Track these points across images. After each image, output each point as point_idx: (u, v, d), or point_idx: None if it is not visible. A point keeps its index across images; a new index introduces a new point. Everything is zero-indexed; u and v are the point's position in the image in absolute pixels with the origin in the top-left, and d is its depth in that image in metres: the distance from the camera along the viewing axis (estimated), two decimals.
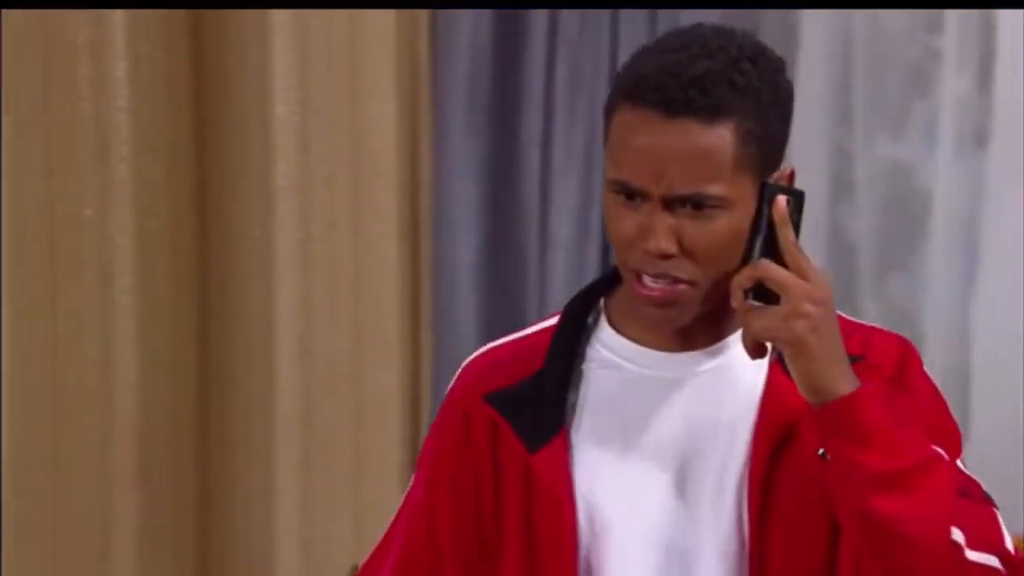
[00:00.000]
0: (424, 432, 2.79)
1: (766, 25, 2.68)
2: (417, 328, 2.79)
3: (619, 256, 1.41)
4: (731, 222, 1.36)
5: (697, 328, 1.42)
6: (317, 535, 2.67)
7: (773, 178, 1.38)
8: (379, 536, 2.71)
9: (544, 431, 1.43)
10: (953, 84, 2.49)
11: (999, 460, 2.40)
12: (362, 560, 2.33)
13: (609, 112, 1.39)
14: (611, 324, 1.46)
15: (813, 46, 2.56)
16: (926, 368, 1.45)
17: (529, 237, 2.72)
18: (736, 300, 1.35)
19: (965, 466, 1.41)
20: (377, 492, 2.70)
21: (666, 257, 1.37)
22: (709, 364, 1.43)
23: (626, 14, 2.65)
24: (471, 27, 2.73)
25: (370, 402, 2.70)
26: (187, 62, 2.72)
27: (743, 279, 1.35)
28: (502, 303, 2.75)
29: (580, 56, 2.68)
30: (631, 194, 1.37)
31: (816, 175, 2.59)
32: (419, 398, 2.79)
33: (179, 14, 2.69)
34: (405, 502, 1.52)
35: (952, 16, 2.48)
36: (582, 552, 1.42)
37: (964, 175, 2.51)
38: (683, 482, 1.41)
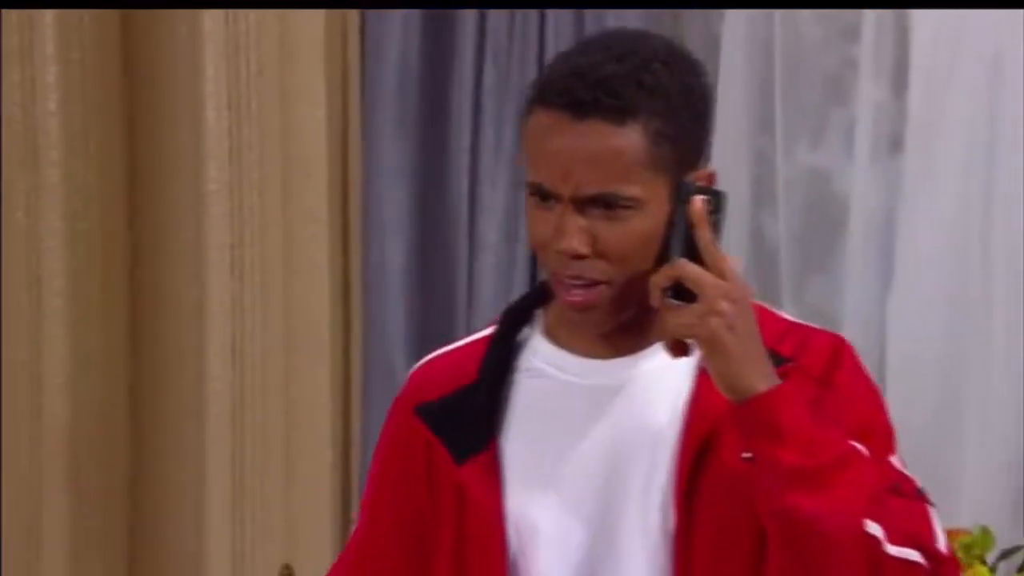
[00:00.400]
0: (355, 432, 2.82)
1: (689, 33, 2.73)
2: (348, 329, 2.81)
3: (539, 260, 1.42)
4: (644, 223, 1.37)
5: (626, 334, 1.43)
6: (248, 535, 2.69)
7: (691, 178, 1.39)
8: (310, 536, 2.75)
9: (473, 443, 1.44)
10: (869, 92, 2.54)
11: (913, 457, 2.47)
12: (293, 560, 2.36)
13: (525, 117, 1.41)
14: (546, 334, 1.47)
15: (734, 55, 2.61)
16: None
17: (458, 240, 2.75)
18: (655, 299, 1.37)
19: (903, 463, 1.42)
20: (308, 492, 2.71)
21: (579, 257, 1.38)
22: (638, 370, 1.43)
23: (553, 23, 2.69)
24: (401, 33, 2.76)
25: (301, 403, 2.72)
26: (118, 67, 2.73)
27: (660, 278, 1.36)
28: (431, 305, 2.78)
29: (508, 64, 2.71)
30: (545, 196, 1.39)
31: (738, 181, 2.64)
32: (350, 398, 2.82)
33: (110, 19, 2.70)
34: (359, 514, 1.54)
35: (868, 26, 2.54)
36: (510, 563, 1.42)
37: (880, 180, 2.57)
38: (611, 491, 1.41)
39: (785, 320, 1.46)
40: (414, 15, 2.75)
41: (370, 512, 1.51)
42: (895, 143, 2.56)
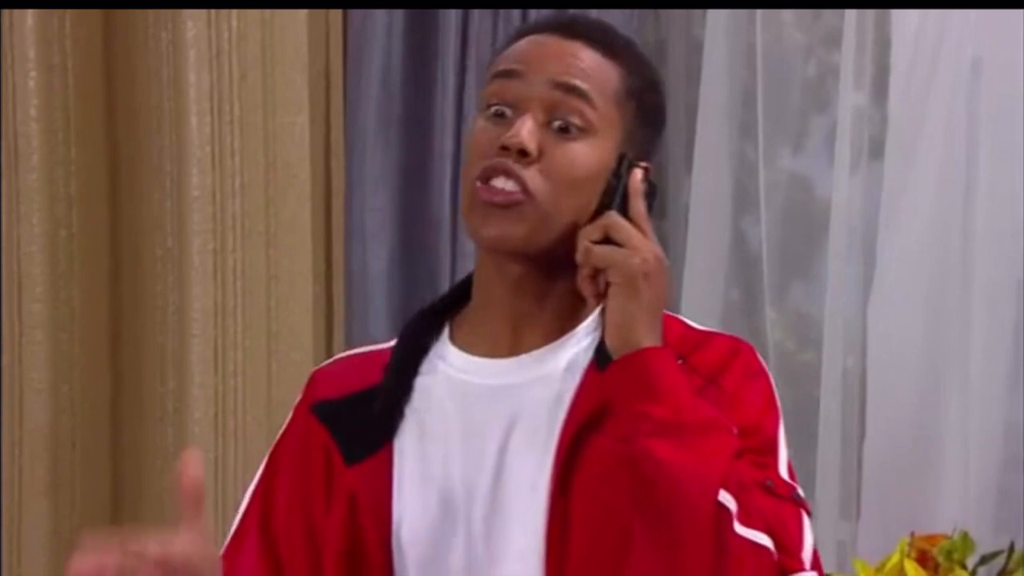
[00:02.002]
0: None
1: (671, 39, 2.75)
2: (330, 336, 2.81)
3: (470, 172, 1.40)
4: (589, 154, 1.39)
5: (526, 333, 1.42)
6: None
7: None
8: None
9: (366, 445, 1.43)
10: (850, 98, 2.56)
11: (892, 458, 2.48)
12: None
13: (489, 69, 1.43)
14: (451, 338, 1.47)
15: (716, 61, 2.62)
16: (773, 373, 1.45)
17: (441, 246, 2.75)
18: (581, 249, 1.38)
19: (790, 474, 1.41)
20: None
21: (523, 154, 1.37)
22: (535, 370, 1.42)
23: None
24: (383, 39, 2.76)
25: (283, 409, 2.71)
26: (99, 72, 2.73)
27: (592, 229, 1.38)
28: (414, 311, 2.78)
29: None
30: (500, 112, 1.39)
31: (720, 186, 2.66)
32: None
33: (92, 24, 2.70)
34: (244, 514, 1.51)
35: (849, 32, 2.56)
36: (396, 567, 1.41)
37: (861, 185, 2.59)
38: (499, 491, 1.40)
39: (690, 327, 1.47)
40: (397, 22, 2.76)
41: (262, 499, 1.49)
42: (876, 149, 2.57)
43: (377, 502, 1.41)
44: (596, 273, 1.38)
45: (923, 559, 2.27)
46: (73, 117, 2.68)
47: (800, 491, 1.40)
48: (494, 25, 2.72)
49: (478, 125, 1.41)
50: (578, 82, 1.39)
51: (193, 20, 2.66)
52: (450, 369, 1.45)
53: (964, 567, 2.29)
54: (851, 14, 2.52)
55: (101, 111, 2.73)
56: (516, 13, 2.69)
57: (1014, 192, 2.40)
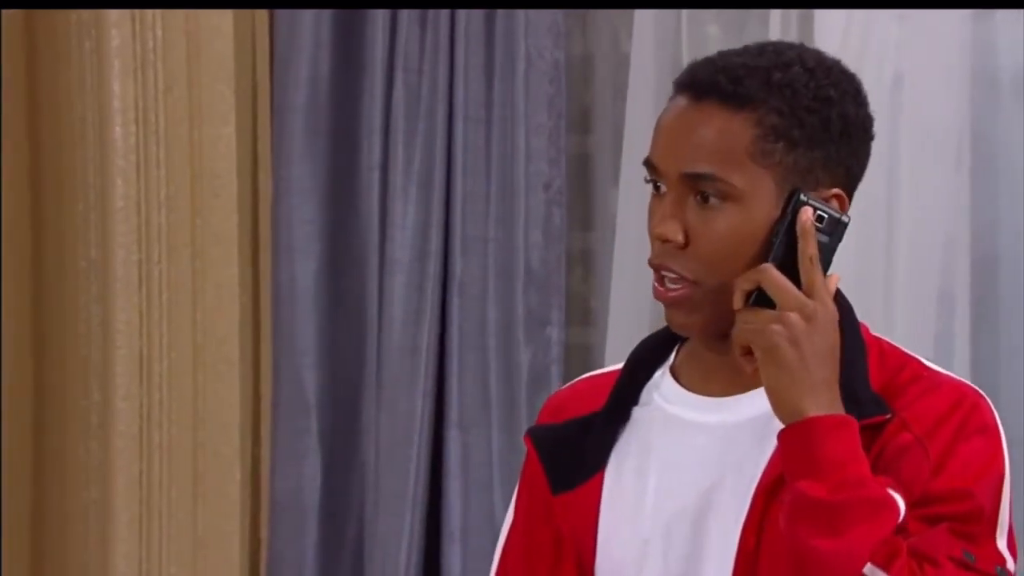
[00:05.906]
0: (264, 451, 2.80)
1: (598, 55, 2.76)
2: (257, 348, 2.80)
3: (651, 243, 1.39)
4: (740, 219, 1.34)
5: (742, 373, 1.36)
6: (155, 555, 2.67)
7: (811, 194, 1.35)
8: (218, 555, 2.73)
9: (577, 474, 1.42)
10: None
11: None
12: None
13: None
14: (671, 370, 1.44)
15: (643, 75, 2.64)
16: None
17: (369, 258, 2.75)
18: (736, 301, 1.33)
19: (1009, 544, 1.34)
20: (217, 511, 2.70)
21: (667, 242, 1.35)
22: (747, 411, 1.38)
23: (464, 40, 2.70)
24: (310, 50, 2.75)
25: (209, 421, 2.71)
26: (22, 82, 2.70)
27: (743, 280, 1.33)
28: (342, 323, 2.78)
29: (419, 81, 2.72)
30: (657, 185, 1.37)
31: (647, 199, 2.67)
32: (259, 417, 2.81)
33: (15, 34, 2.68)
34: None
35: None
36: None
37: None
38: (696, 533, 1.37)
39: (923, 369, 1.39)
40: (324, 32, 2.75)
41: (509, 532, 1.49)
42: None
43: (580, 533, 1.41)
44: (747, 349, 1.33)
45: None
46: None
47: (1009, 566, 1.33)
48: (421, 35, 2.72)
49: (651, 198, 1.39)
50: (703, 168, 1.34)
51: (117, 29, 2.64)
52: (663, 402, 1.42)
53: None
54: (775, 29, 2.55)
55: (23, 121, 2.70)
56: (444, 24, 2.70)
57: (934, 206, 2.43)
